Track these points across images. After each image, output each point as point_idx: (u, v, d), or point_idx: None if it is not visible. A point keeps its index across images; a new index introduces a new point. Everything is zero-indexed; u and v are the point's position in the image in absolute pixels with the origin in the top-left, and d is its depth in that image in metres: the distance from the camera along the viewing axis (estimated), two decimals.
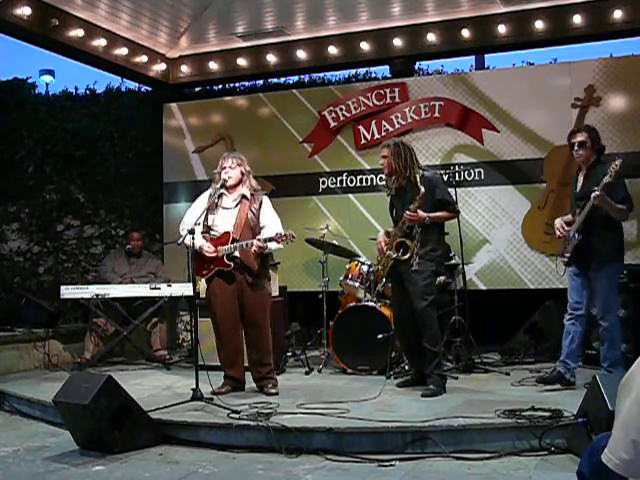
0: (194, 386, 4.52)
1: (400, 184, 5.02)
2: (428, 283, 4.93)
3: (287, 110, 7.82)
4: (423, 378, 5.02)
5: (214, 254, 4.92)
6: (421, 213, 4.87)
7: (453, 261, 6.30)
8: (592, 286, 4.78)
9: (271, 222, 5.02)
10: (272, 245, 4.90)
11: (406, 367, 5.56)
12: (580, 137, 4.81)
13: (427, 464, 3.67)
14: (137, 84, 8.74)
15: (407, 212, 4.88)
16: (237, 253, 4.92)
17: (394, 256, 4.97)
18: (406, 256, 4.92)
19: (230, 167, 5.04)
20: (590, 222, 4.68)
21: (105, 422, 3.97)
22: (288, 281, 6.92)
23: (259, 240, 4.81)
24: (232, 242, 4.92)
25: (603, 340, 4.79)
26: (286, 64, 8.04)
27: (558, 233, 4.93)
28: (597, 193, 4.50)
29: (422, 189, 4.84)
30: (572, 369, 4.80)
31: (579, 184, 4.93)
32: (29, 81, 8.89)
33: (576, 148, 4.82)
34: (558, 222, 4.97)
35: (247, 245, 4.86)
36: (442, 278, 6.26)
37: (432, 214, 4.92)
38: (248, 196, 5.05)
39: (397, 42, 7.54)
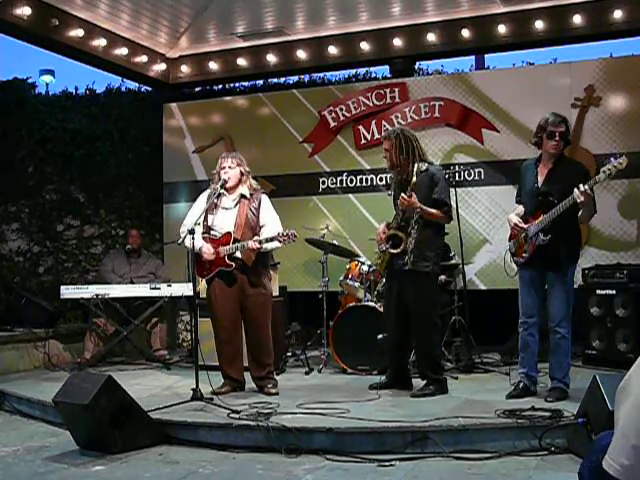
0: (194, 386, 4.52)
1: (403, 177, 4.86)
2: (424, 283, 4.77)
3: (287, 110, 7.82)
4: (402, 380, 5.01)
5: (212, 257, 4.92)
6: (414, 199, 4.68)
7: (453, 261, 6.31)
8: (549, 290, 4.44)
9: (270, 221, 5.03)
10: (270, 245, 4.90)
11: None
12: (563, 127, 4.42)
13: (427, 464, 3.67)
14: (137, 84, 8.74)
15: (402, 194, 4.70)
16: (238, 253, 4.92)
17: (384, 248, 4.87)
18: (397, 250, 4.79)
19: (230, 167, 5.03)
20: (557, 221, 4.33)
21: (105, 422, 3.97)
22: (288, 281, 6.92)
23: (257, 241, 4.81)
24: (233, 242, 4.92)
25: (557, 349, 4.49)
26: (286, 64, 8.04)
27: (516, 230, 4.56)
28: (586, 188, 4.10)
29: (414, 179, 4.70)
30: (535, 379, 4.67)
31: (540, 178, 4.52)
32: (29, 81, 8.88)
33: (557, 138, 4.40)
34: (514, 218, 4.60)
35: (248, 245, 4.86)
36: (442, 277, 6.27)
37: (425, 206, 4.74)
38: (247, 195, 5.05)
39: (397, 42, 7.54)
